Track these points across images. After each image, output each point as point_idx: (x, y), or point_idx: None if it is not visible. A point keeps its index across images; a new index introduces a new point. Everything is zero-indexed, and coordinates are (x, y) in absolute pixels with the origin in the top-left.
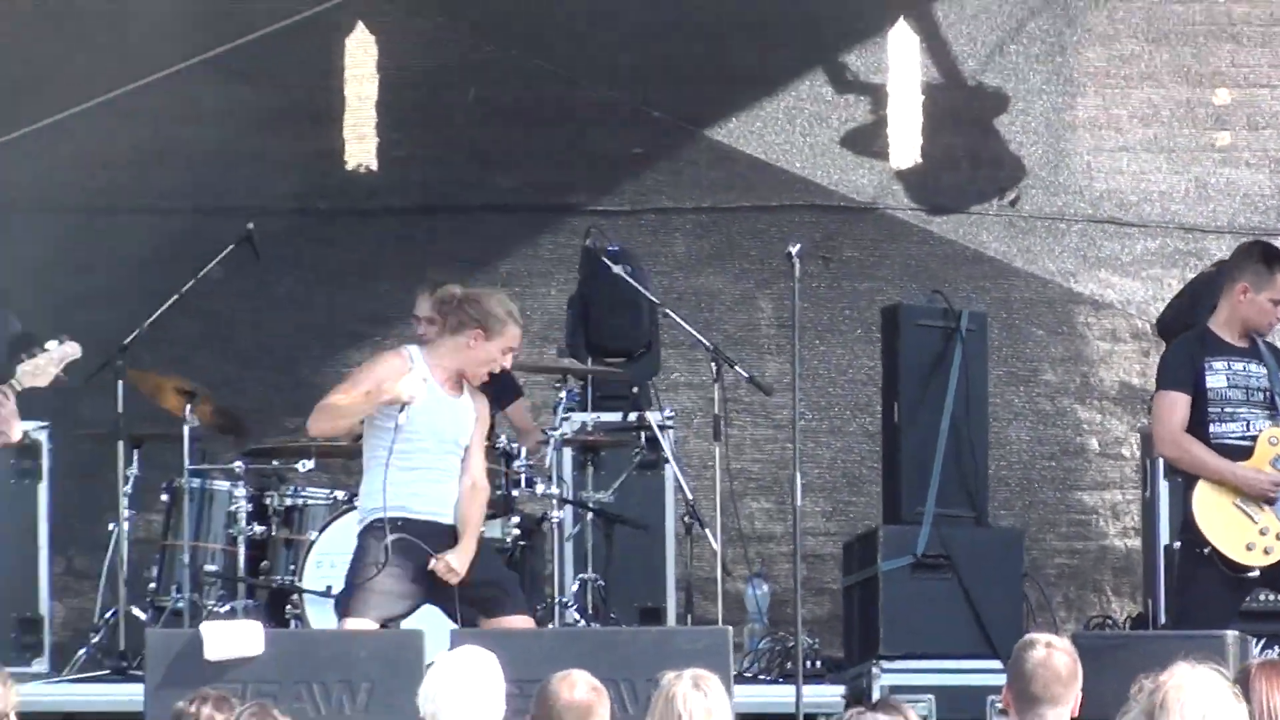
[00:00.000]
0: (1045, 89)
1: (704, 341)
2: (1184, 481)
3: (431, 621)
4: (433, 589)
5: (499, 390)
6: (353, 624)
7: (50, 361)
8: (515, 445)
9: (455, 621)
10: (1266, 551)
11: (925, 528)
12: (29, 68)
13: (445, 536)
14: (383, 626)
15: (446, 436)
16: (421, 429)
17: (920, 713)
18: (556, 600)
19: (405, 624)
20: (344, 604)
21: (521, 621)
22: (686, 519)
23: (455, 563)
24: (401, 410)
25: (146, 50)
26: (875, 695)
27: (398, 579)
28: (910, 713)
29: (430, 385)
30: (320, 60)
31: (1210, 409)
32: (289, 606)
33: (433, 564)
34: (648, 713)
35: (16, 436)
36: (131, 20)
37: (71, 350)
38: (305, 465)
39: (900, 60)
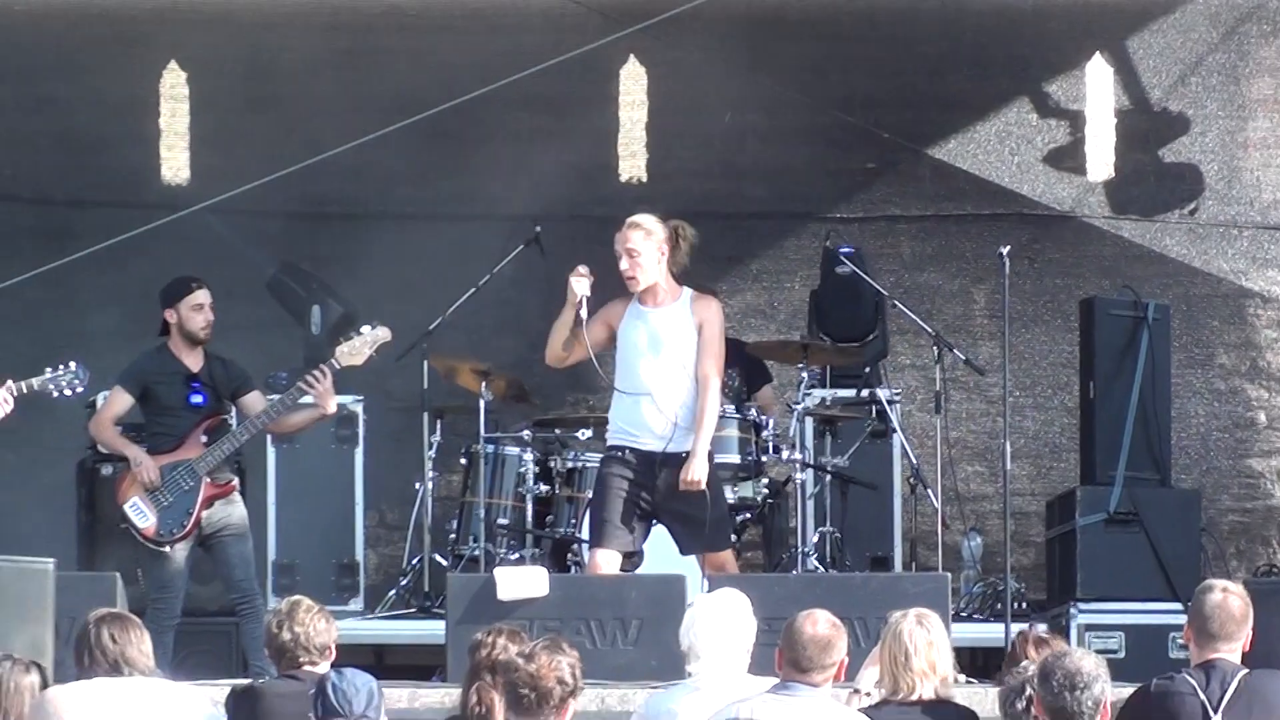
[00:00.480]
0: (1220, 114)
1: (926, 328)
2: None
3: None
4: (660, 513)
5: (750, 375)
6: (601, 555)
7: (365, 344)
8: (764, 417)
9: (680, 548)
10: None
11: (1116, 488)
12: (349, 89)
13: (669, 462)
14: (625, 556)
15: (644, 348)
16: (629, 353)
17: (1111, 647)
18: (799, 550)
19: (668, 569)
20: (591, 537)
21: (720, 560)
22: (911, 480)
23: (690, 473)
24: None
25: (455, 76)
26: (1073, 633)
27: (630, 507)
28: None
29: (635, 307)
30: (599, 87)
31: None
32: (569, 555)
33: (680, 481)
34: (878, 644)
35: (331, 409)
36: (443, 50)
37: (383, 334)
38: (584, 433)
39: (1096, 89)
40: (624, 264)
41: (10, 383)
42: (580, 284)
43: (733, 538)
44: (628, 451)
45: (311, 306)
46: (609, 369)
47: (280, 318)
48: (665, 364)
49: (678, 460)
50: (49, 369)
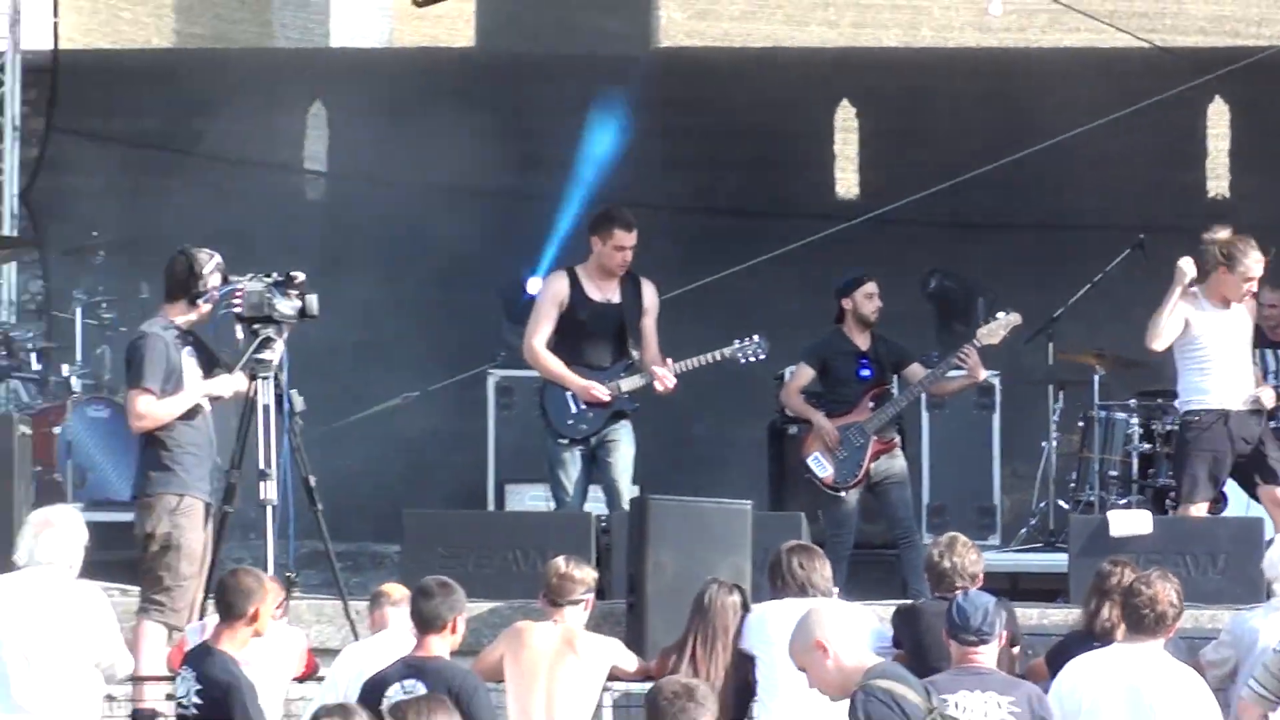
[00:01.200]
0: None
1: None
2: None
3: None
4: (1238, 460)
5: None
6: (1193, 510)
7: (1000, 326)
8: None
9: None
10: None
11: None
12: (987, 121)
13: (1237, 419)
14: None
15: (1223, 345)
16: (1206, 336)
17: None
18: None
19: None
20: (1181, 494)
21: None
22: None
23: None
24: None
25: (1068, 109)
26: None
27: (1216, 460)
28: None
29: (1205, 305)
30: (1188, 120)
31: None
32: (1167, 500)
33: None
34: None
35: (981, 378)
36: (1062, 88)
37: (1015, 319)
38: None
39: None
40: (1247, 287)
41: (670, 361)
42: (1190, 267)
43: None
44: (1203, 415)
45: (975, 299)
46: None
47: (922, 310)
48: (1240, 346)
49: (1242, 416)
50: (736, 340)
